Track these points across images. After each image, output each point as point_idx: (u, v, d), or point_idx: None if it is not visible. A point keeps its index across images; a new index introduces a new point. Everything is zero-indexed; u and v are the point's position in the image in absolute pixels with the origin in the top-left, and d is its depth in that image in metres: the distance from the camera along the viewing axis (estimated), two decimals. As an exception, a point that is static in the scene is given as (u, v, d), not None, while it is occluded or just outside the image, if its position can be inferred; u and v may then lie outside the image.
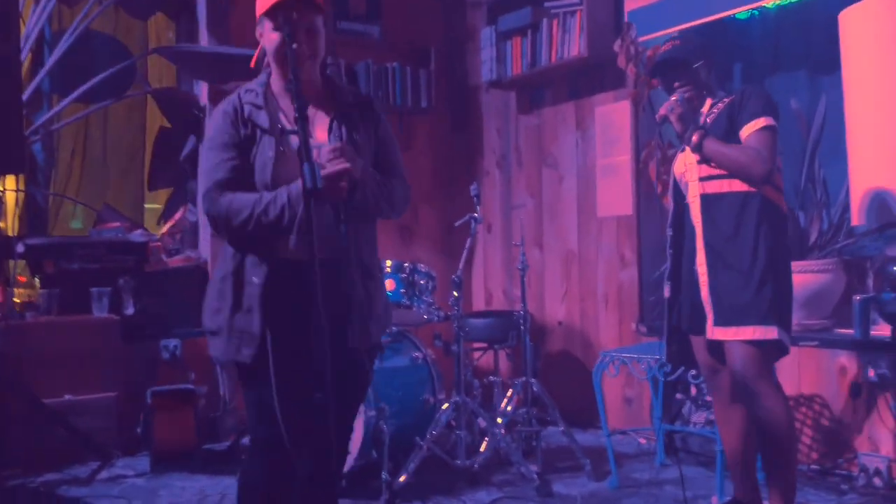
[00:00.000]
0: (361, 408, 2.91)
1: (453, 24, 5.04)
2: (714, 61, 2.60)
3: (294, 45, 1.77)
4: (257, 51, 1.96)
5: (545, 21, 4.22)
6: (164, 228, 4.38)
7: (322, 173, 1.65)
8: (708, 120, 2.51)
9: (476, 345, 4.04)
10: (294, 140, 1.78)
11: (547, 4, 4.20)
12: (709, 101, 2.57)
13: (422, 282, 3.24)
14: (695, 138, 2.42)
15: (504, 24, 4.41)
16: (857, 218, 3.04)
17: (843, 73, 3.01)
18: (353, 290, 1.85)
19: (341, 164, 1.72)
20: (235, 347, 1.85)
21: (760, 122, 2.38)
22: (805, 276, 3.18)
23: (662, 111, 2.50)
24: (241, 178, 1.82)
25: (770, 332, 2.36)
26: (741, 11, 3.47)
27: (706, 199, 2.47)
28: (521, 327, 3.44)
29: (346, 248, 1.83)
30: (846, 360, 3.11)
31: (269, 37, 1.85)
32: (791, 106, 3.38)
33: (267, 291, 1.82)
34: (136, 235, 4.12)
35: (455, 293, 3.17)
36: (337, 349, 1.76)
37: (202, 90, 4.34)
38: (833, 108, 3.28)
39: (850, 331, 3.01)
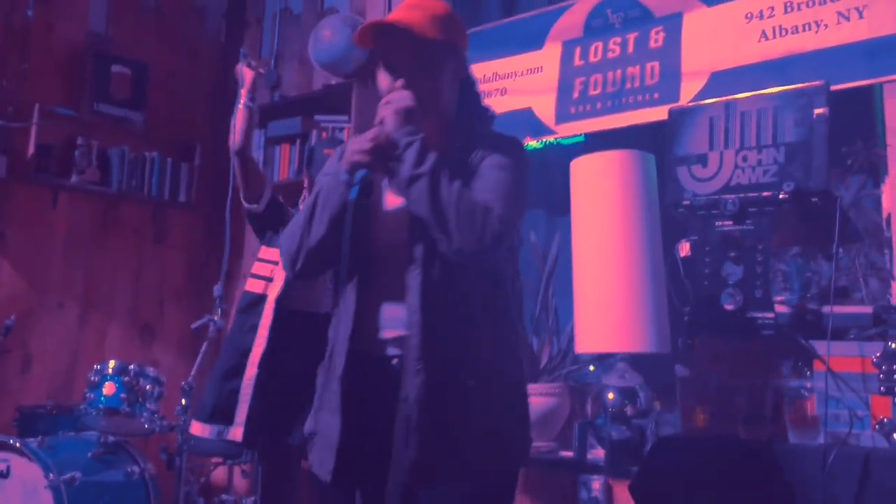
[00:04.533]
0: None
1: (223, 123, 4.95)
2: None
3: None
4: None
5: (315, 132, 4.29)
6: None
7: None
8: None
9: (215, 459, 3.76)
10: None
11: (317, 118, 4.29)
12: None
13: (147, 387, 2.97)
14: None
15: (274, 130, 4.42)
16: (580, 346, 3.30)
17: (572, 216, 3.33)
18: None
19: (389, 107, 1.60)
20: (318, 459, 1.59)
21: None
22: (536, 399, 3.36)
23: None
24: None
25: None
26: (493, 149, 3.77)
27: None
28: (256, 441, 3.26)
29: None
30: (568, 482, 3.27)
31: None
32: (531, 239, 3.68)
33: (346, 385, 1.54)
34: None
35: (183, 401, 2.95)
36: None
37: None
38: (565, 246, 3.61)
39: (571, 453, 3.19)
